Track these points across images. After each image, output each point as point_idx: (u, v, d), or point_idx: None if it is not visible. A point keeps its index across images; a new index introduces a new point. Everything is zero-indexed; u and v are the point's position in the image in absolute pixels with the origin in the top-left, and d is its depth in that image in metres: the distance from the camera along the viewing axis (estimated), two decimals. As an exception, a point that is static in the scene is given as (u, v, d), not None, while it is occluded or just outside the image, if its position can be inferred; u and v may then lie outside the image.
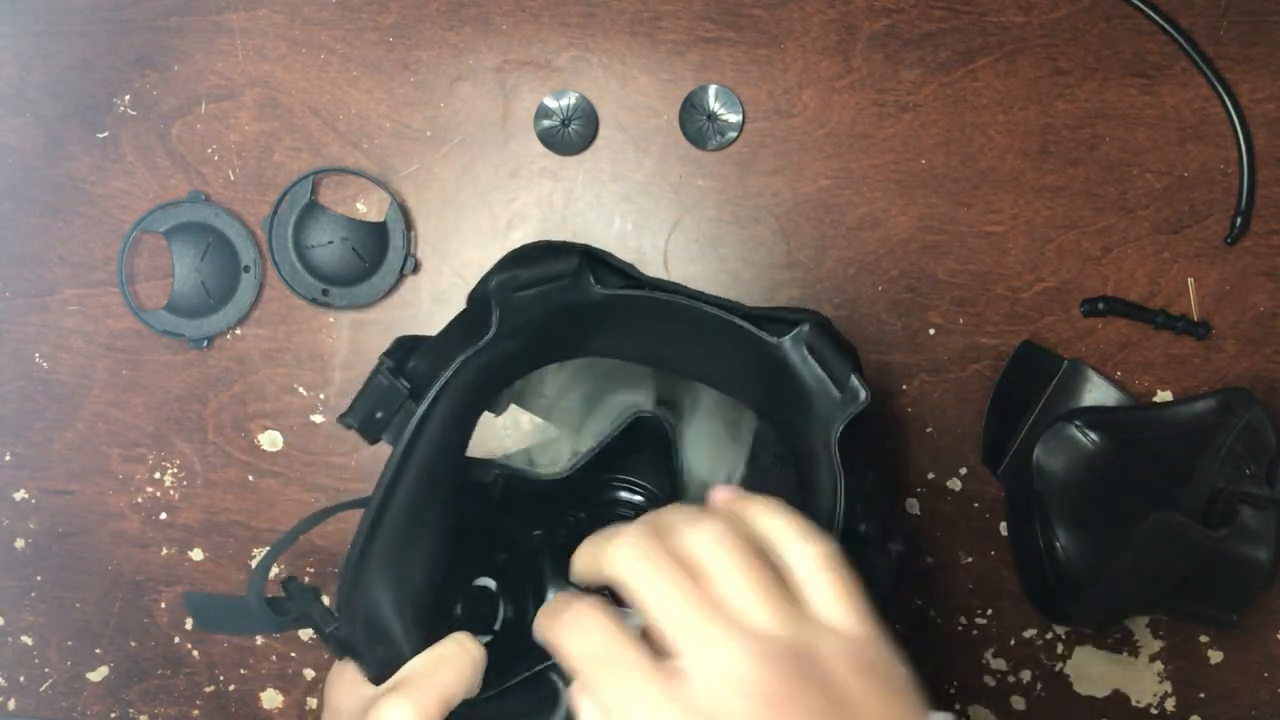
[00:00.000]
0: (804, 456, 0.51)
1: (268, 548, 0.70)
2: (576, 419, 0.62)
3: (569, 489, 0.60)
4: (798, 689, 0.34)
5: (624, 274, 0.51)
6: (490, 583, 0.61)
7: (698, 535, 0.37)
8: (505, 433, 0.68)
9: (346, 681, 0.49)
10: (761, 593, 0.36)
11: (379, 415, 0.52)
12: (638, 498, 0.63)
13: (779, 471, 0.59)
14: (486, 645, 0.51)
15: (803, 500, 0.51)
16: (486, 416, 0.57)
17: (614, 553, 0.37)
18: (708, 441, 0.60)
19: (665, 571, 0.36)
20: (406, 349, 0.54)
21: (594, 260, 0.51)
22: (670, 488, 0.59)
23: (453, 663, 0.48)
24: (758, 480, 0.60)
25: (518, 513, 0.61)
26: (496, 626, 0.60)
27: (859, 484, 0.51)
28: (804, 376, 0.50)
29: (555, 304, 0.51)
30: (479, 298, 0.53)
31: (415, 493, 0.50)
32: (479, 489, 0.59)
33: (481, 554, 0.60)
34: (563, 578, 0.63)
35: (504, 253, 0.70)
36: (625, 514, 0.62)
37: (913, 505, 0.68)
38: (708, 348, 0.53)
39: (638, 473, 0.63)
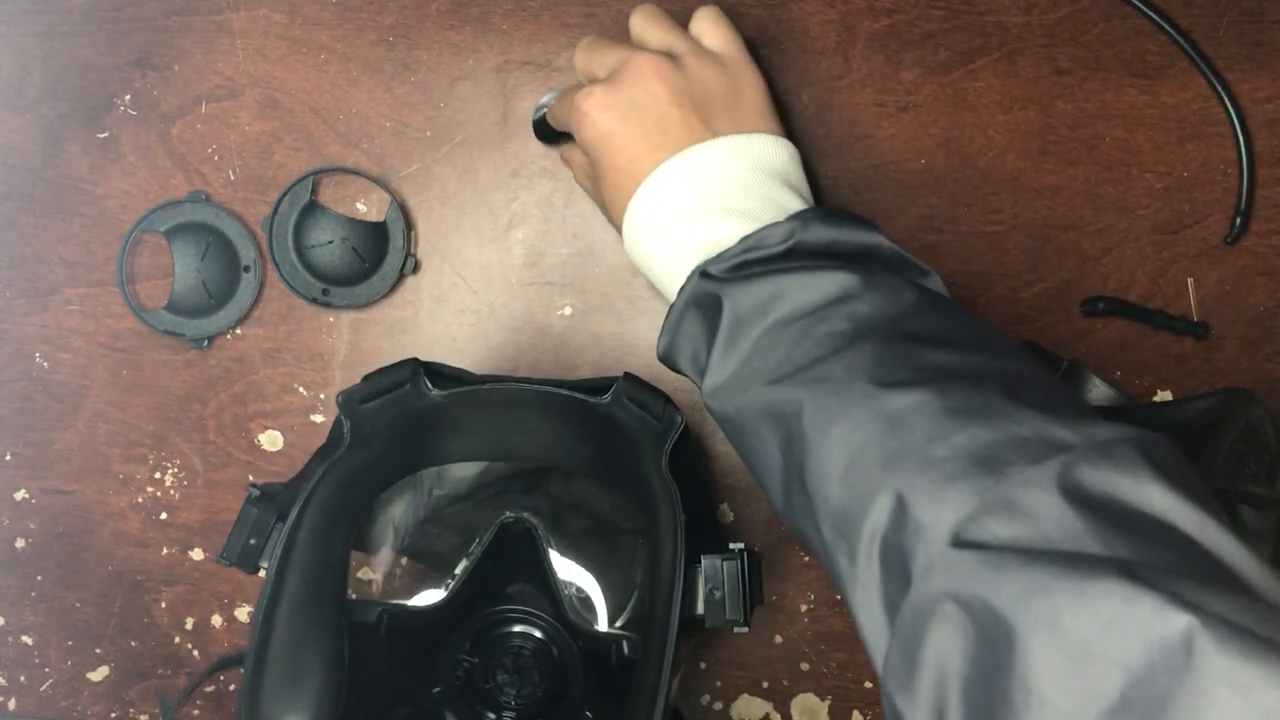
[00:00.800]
0: (646, 495, 0.56)
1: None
2: (449, 547, 0.65)
3: (453, 619, 0.62)
4: (667, 68, 0.55)
5: (457, 379, 0.58)
6: None
7: (632, 21, 0.59)
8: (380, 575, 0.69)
9: None
10: (655, 29, 0.58)
11: (253, 542, 0.55)
12: (529, 629, 0.64)
13: (631, 541, 0.64)
14: None
15: (649, 532, 0.56)
16: (362, 561, 0.64)
17: (577, 57, 0.60)
18: (574, 537, 0.63)
19: (606, 43, 0.59)
20: (271, 490, 0.57)
21: (427, 369, 0.57)
22: (551, 598, 0.61)
23: None
24: (614, 555, 0.64)
25: (409, 662, 0.62)
26: None
27: (698, 498, 0.58)
28: (629, 422, 0.56)
29: (400, 411, 0.57)
30: (337, 420, 0.58)
31: (297, 613, 0.53)
32: (365, 631, 0.59)
33: (381, 714, 0.60)
34: None
35: (504, 253, 0.71)
36: (520, 649, 0.63)
37: (913, 505, 0.68)
38: (545, 424, 0.59)
39: (519, 591, 0.64)
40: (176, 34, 0.69)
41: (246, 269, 0.69)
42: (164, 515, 0.70)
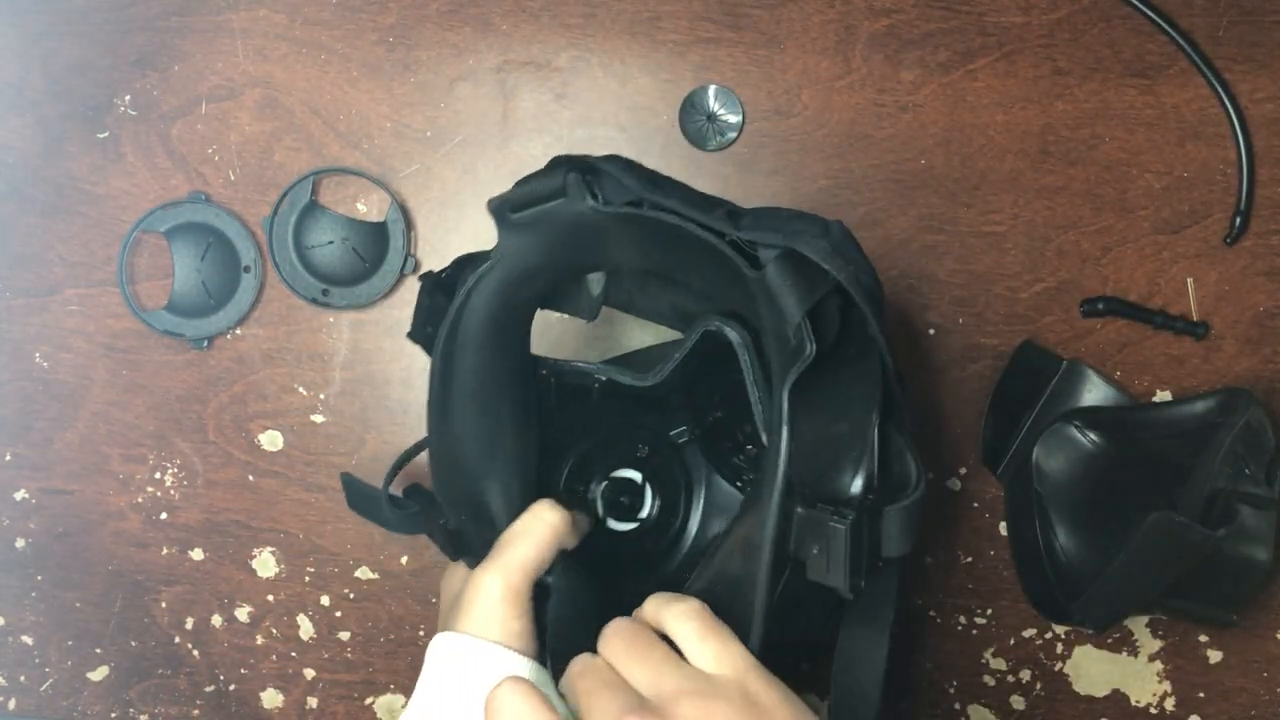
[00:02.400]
0: (768, 408, 0.50)
1: (271, 545, 0.70)
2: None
3: (666, 398, 0.61)
4: None
5: (620, 183, 0.50)
6: (635, 474, 0.63)
7: (606, 645, 0.48)
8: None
9: (457, 577, 0.56)
10: (641, 665, 0.46)
11: (429, 330, 0.55)
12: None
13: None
14: (633, 533, 0.57)
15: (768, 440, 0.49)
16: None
17: (571, 673, 0.49)
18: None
19: (598, 674, 0.47)
20: (459, 265, 0.56)
21: (596, 174, 0.50)
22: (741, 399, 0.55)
23: (531, 533, 0.54)
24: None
25: (655, 409, 0.61)
26: (642, 515, 0.63)
27: (830, 437, 0.48)
28: (770, 314, 0.47)
29: (555, 221, 0.51)
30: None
31: (476, 390, 0.54)
32: (580, 390, 0.60)
33: (622, 447, 0.62)
34: (708, 468, 0.65)
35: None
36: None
37: (913, 505, 0.68)
38: (701, 269, 0.52)
39: (719, 386, 0.61)
40: (176, 34, 0.69)
41: (246, 269, 0.69)
42: (164, 515, 0.70)
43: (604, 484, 0.62)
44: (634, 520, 0.63)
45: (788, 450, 0.46)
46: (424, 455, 0.57)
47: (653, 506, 0.63)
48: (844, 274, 0.46)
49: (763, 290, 0.46)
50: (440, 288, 0.55)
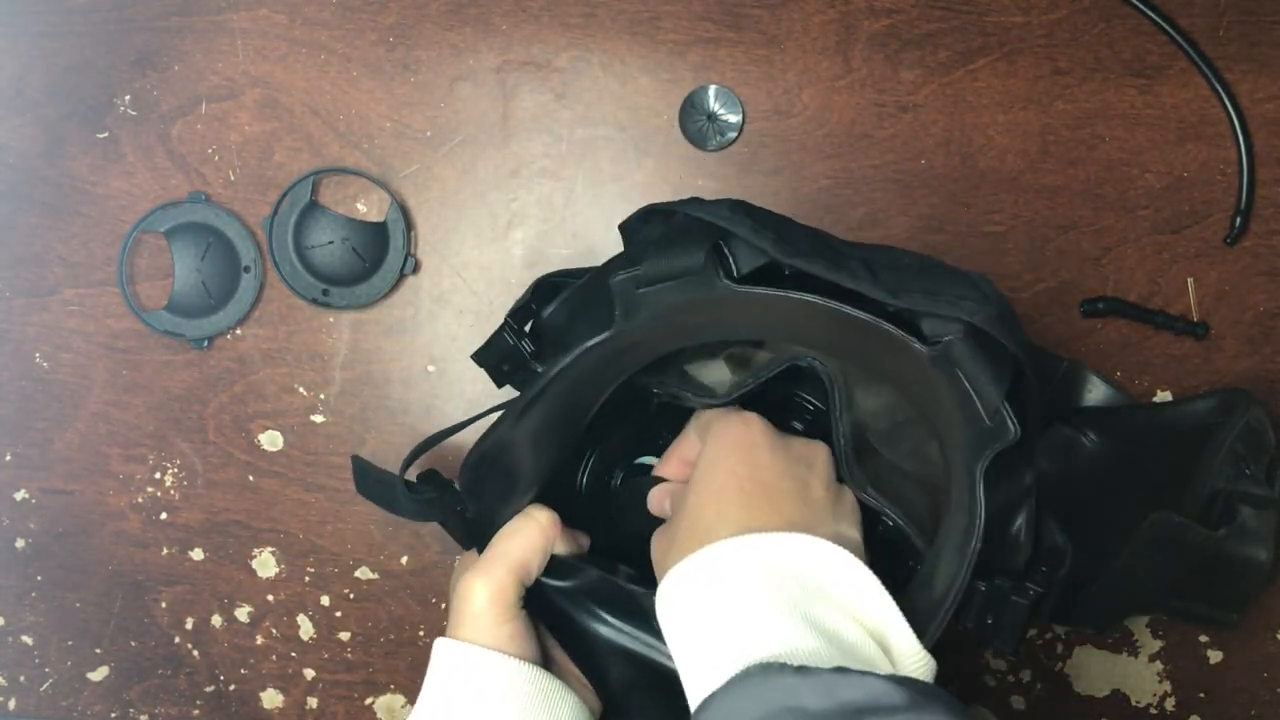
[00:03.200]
0: (950, 465, 0.49)
1: (271, 545, 0.70)
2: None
3: None
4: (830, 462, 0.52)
5: (762, 250, 0.47)
6: (656, 460, 0.62)
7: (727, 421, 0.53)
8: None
9: (468, 566, 0.56)
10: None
11: (505, 368, 0.55)
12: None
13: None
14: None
15: (933, 510, 0.50)
16: None
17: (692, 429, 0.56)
18: (866, 397, 0.57)
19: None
20: (542, 299, 0.55)
21: (728, 240, 0.47)
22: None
23: (520, 533, 0.54)
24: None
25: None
26: None
27: (1005, 510, 0.49)
28: (951, 391, 0.46)
29: (682, 298, 0.48)
30: (603, 277, 0.51)
31: (537, 428, 0.53)
32: (638, 399, 0.58)
33: (648, 436, 0.61)
34: None
35: (504, 253, 0.70)
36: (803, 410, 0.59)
37: (913, 505, 0.68)
38: (849, 340, 0.49)
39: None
40: (176, 34, 0.69)
41: (246, 269, 0.69)
42: (164, 515, 0.70)
43: (628, 472, 0.62)
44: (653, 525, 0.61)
45: (982, 529, 0.45)
46: (442, 447, 0.57)
47: None
48: (1023, 353, 0.46)
49: (943, 365, 0.45)
50: (530, 327, 0.55)
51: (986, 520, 0.46)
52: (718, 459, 0.51)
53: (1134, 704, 0.67)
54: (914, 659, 0.46)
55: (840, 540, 0.48)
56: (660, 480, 0.57)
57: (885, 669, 0.45)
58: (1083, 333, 0.67)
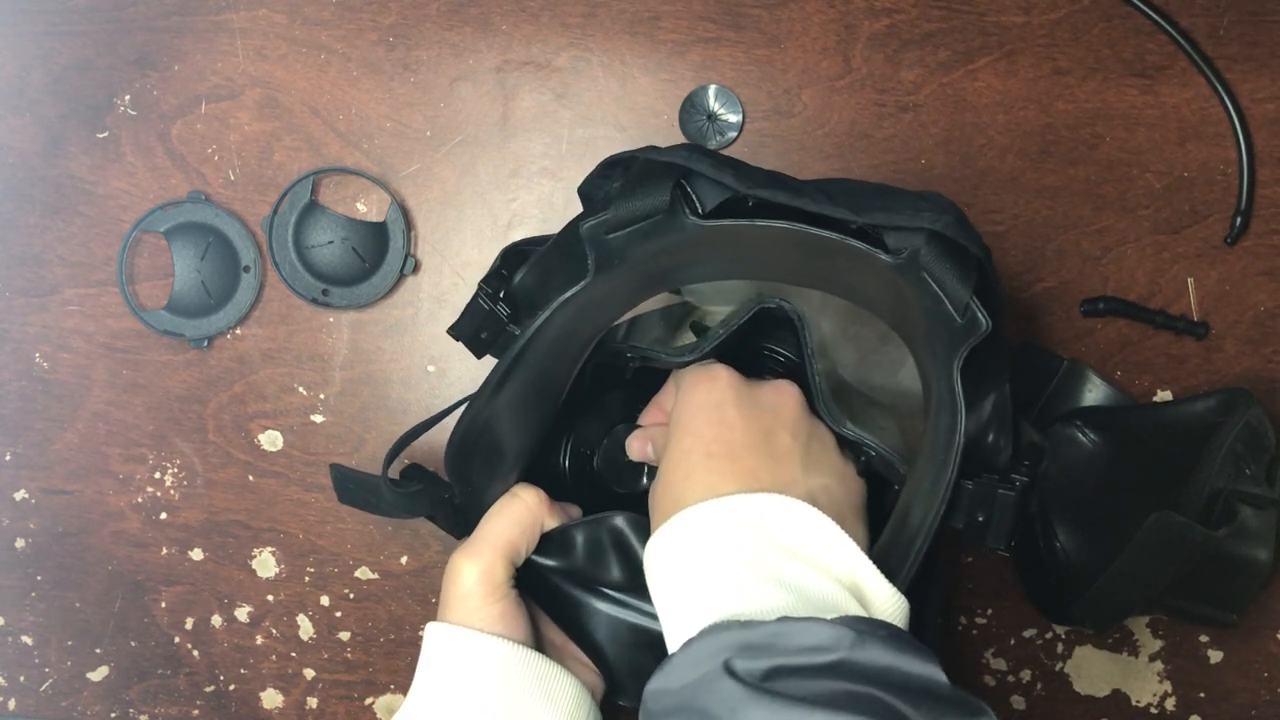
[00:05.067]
0: (925, 388, 0.50)
1: (271, 545, 0.70)
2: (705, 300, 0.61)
3: None
4: (805, 408, 0.53)
5: (724, 185, 0.48)
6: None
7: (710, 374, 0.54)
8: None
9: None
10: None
11: (483, 336, 0.55)
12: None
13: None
14: (642, 494, 0.57)
15: (908, 437, 0.51)
16: None
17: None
18: (833, 332, 0.58)
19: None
20: (512, 265, 0.55)
21: (690, 179, 0.49)
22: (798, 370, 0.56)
23: (506, 513, 0.55)
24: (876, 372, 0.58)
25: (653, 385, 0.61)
26: (646, 477, 0.62)
27: (982, 412, 0.51)
28: (920, 298, 0.47)
29: (651, 241, 0.50)
30: (572, 231, 0.51)
31: (516, 398, 0.53)
32: (613, 369, 0.59)
33: (626, 412, 0.61)
34: None
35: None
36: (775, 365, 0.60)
37: (913, 505, 0.68)
38: (818, 265, 0.51)
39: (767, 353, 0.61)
40: (176, 34, 0.69)
41: (246, 269, 0.69)
42: (164, 515, 0.70)
43: (604, 442, 0.62)
44: (639, 479, 0.61)
45: (964, 426, 0.47)
46: (421, 441, 0.57)
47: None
48: (983, 253, 0.47)
49: (911, 273, 0.47)
50: (503, 292, 0.54)
51: (967, 419, 0.47)
52: (686, 421, 0.52)
53: (1134, 704, 0.67)
54: (888, 602, 0.47)
55: (810, 489, 0.50)
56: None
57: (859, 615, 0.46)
58: (1083, 333, 0.67)
